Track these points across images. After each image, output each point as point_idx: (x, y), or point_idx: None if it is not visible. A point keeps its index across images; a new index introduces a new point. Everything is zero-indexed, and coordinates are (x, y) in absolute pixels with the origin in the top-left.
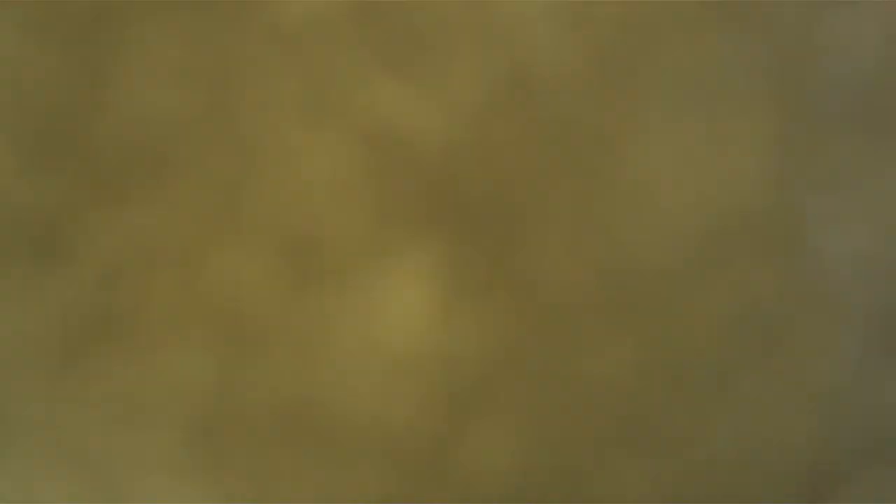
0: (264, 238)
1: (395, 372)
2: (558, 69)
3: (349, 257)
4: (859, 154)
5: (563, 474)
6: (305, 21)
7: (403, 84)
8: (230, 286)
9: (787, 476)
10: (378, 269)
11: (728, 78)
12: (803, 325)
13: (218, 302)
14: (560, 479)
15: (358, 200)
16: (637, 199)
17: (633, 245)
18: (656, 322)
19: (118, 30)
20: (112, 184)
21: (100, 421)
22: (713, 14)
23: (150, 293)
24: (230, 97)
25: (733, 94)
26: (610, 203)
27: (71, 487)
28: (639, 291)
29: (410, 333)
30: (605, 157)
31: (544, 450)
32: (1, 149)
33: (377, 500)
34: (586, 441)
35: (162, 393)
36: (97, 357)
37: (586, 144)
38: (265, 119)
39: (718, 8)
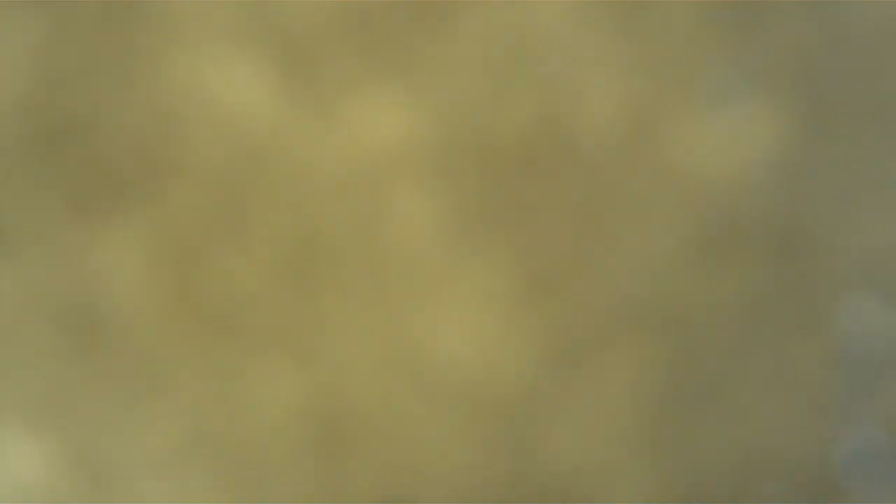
0: (265, 239)
1: (395, 372)
2: (562, 66)
3: (349, 258)
4: (871, 149)
5: (565, 475)
6: (306, 26)
7: (403, 87)
8: (230, 286)
9: (790, 478)
10: (378, 270)
11: (737, 74)
12: (809, 323)
13: (218, 302)
14: (561, 480)
15: (360, 201)
16: (643, 196)
17: (638, 244)
18: (660, 322)
19: (125, 31)
20: (112, 183)
21: (99, 421)
22: (718, 11)
23: (150, 292)
24: (231, 98)
25: (741, 90)
26: (615, 202)
27: (70, 487)
28: (642, 291)
29: (410, 334)
30: (612, 154)
31: (545, 450)
32: (6, 147)
33: (378, 500)
34: (588, 442)
35: (161, 393)
36: (97, 357)
37: (590, 143)
38: (267, 119)
39: (723, 5)
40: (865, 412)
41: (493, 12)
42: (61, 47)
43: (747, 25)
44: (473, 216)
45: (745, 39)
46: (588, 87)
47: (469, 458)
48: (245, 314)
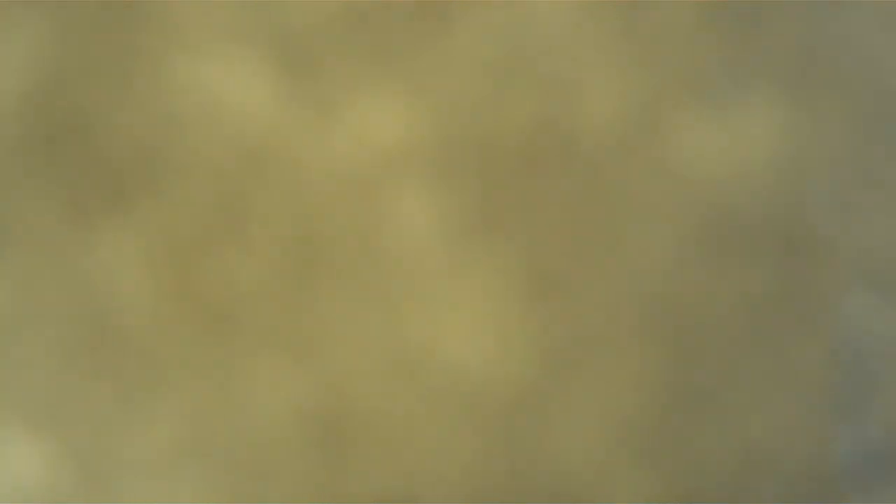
0: (265, 238)
1: (395, 372)
2: (562, 66)
3: (349, 258)
4: (871, 149)
5: (565, 475)
6: (307, 27)
7: (403, 87)
8: (230, 286)
9: (790, 477)
10: (378, 269)
11: (737, 74)
12: (809, 323)
13: (218, 302)
14: (561, 480)
15: (360, 201)
16: (643, 196)
17: (639, 244)
18: (660, 322)
19: (125, 31)
20: (112, 183)
21: (99, 421)
22: (718, 11)
23: (150, 292)
24: (232, 97)
25: (741, 89)
26: (615, 202)
27: (70, 487)
28: (642, 291)
29: (410, 333)
30: (612, 154)
31: (545, 451)
32: (6, 147)
33: (378, 500)
34: (588, 442)
35: (161, 393)
36: (97, 357)
37: (590, 143)
38: (267, 119)
39: (723, 5)
40: (865, 412)
41: (492, 12)
42: (61, 47)
43: (747, 25)
44: (473, 216)
45: (745, 39)
46: (588, 87)
47: (469, 458)
48: (245, 314)
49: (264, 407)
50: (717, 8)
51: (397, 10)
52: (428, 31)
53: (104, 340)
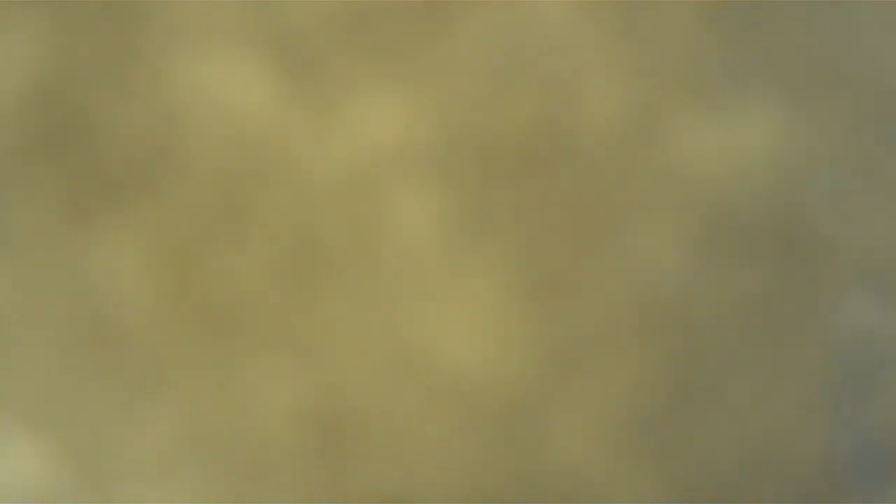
0: (265, 238)
1: (395, 372)
2: (562, 66)
3: (349, 258)
4: (871, 148)
5: (565, 475)
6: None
7: (403, 87)
8: (230, 286)
9: (790, 477)
10: (378, 269)
11: (737, 74)
12: (809, 323)
13: (218, 302)
14: (561, 480)
15: (360, 200)
16: (643, 196)
17: (639, 244)
18: (660, 322)
19: (125, 31)
20: (112, 183)
21: (99, 421)
22: (718, 11)
23: (149, 292)
24: (234, 99)
25: (741, 90)
26: (615, 202)
27: (70, 487)
28: (642, 291)
29: (410, 333)
30: (612, 154)
31: (545, 451)
32: (6, 147)
33: (378, 500)
34: (588, 442)
35: (161, 393)
36: (97, 357)
37: (590, 143)
38: (267, 119)
39: (723, 5)
40: (865, 412)
41: (492, 12)
42: (61, 48)
43: (747, 25)
44: (473, 216)
45: (745, 39)
46: (588, 87)
47: (469, 458)
48: (245, 314)
49: (264, 407)
50: (717, 8)
51: (397, 10)
52: (428, 31)
53: (104, 340)
